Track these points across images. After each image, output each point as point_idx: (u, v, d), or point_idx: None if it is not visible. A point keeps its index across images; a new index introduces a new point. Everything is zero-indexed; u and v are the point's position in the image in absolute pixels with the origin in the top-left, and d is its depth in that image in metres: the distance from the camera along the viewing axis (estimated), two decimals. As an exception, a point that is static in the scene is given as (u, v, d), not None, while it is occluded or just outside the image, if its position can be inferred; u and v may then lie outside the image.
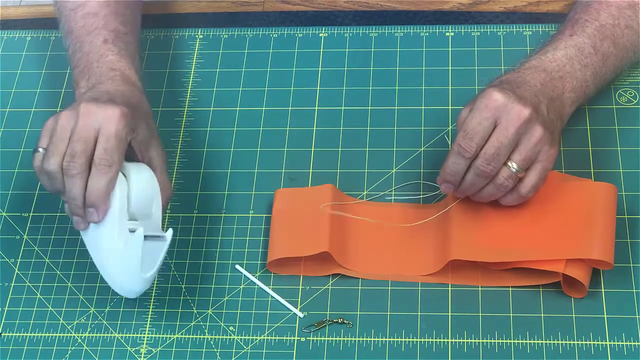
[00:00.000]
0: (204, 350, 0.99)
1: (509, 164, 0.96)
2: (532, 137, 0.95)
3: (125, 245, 0.94)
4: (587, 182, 1.03)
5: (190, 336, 1.01)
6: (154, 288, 1.03)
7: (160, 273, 1.04)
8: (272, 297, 1.02)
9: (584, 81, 1.02)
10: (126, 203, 0.95)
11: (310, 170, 1.10)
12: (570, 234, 0.98)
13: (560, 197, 1.01)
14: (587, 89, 1.03)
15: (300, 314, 1.00)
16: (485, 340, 0.97)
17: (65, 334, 1.02)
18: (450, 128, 1.10)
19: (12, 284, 1.05)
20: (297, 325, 1.00)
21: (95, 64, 1.04)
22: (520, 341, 0.97)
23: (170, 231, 0.97)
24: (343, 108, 1.14)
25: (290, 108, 1.15)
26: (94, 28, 1.06)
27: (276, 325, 1.00)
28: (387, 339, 0.98)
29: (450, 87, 1.14)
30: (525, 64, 1.02)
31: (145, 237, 0.94)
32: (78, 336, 1.01)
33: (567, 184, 1.02)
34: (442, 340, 0.98)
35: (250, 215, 1.07)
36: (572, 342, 0.96)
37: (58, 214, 1.09)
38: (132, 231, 0.94)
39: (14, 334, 1.02)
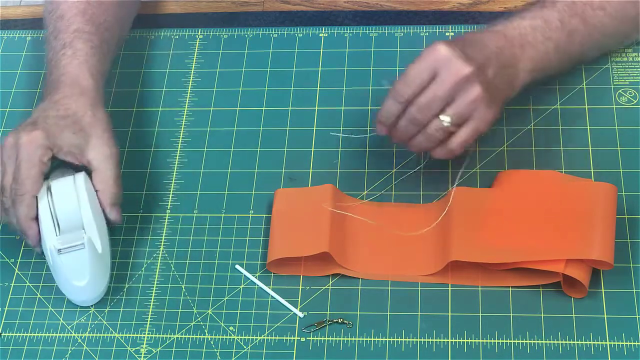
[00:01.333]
0: (204, 350, 0.99)
1: (441, 116, 0.97)
2: (468, 95, 0.97)
3: (52, 261, 1.00)
4: (587, 182, 1.03)
5: (190, 336, 1.01)
6: (154, 288, 1.04)
7: (160, 273, 1.04)
8: (272, 297, 1.02)
9: (545, 53, 1.03)
10: (51, 222, 1.01)
11: (310, 170, 1.10)
12: (571, 234, 0.98)
13: (561, 198, 1.01)
14: (549, 62, 1.04)
15: (300, 314, 1.00)
16: (485, 340, 0.97)
17: (65, 334, 1.02)
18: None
19: (12, 284, 1.05)
20: (297, 325, 1.00)
21: (53, 71, 1.06)
22: (520, 341, 0.97)
23: (86, 237, 1.00)
24: (343, 108, 1.14)
25: (290, 108, 1.15)
26: (58, 32, 1.08)
27: (276, 325, 1.00)
28: (387, 339, 0.98)
29: (450, 87, 1.13)
30: (489, 27, 1.03)
31: (71, 247, 1.00)
32: (78, 336, 1.01)
33: (567, 184, 1.02)
34: (442, 340, 0.98)
35: (250, 215, 1.07)
36: (572, 342, 0.96)
37: (58, 214, 1.09)
38: (58, 249, 1.00)
39: (14, 334, 1.02)
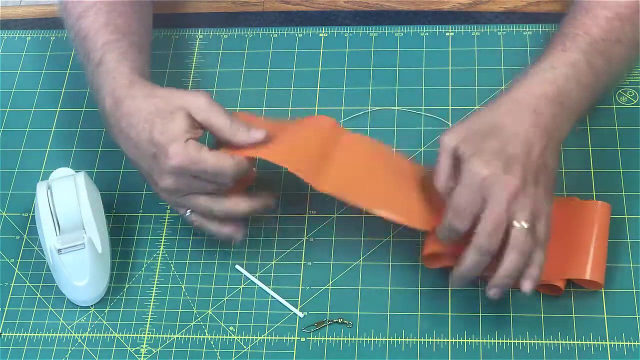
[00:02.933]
0: (204, 350, 0.99)
1: (515, 223, 0.89)
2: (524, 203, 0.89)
3: (52, 261, 1.00)
4: (582, 203, 1.02)
5: (190, 336, 1.01)
6: (154, 288, 1.04)
7: (160, 273, 1.04)
8: (272, 297, 1.02)
9: (578, 102, 0.96)
10: (51, 221, 1.01)
11: (310, 170, 1.09)
12: (566, 254, 0.98)
13: (557, 218, 0.99)
14: (581, 109, 0.97)
15: (300, 314, 1.00)
16: (485, 340, 0.97)
17: (65, 334, 1.02)
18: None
19: (12, 284, 1.05)
20: (297, 325, 1.00)
21: (98, 98, 1.01)
22: (520, 341, 0.97)
23: (86, 237, 1.00)
24: (343, 108, 1.14)
25: (290, 108, 1.15)
26: (88, 52, 1.03)
27: (276, 325, 1.00)
28: (387, 339, 0.98)
29: (450, 87, 1.14)
30: (513, 90, 0.95)
31: (71, 247, 1.00)
32: (78, 336, 1.01)
33: (563, 204, 1.00)
34: (442, 340, 0.98)
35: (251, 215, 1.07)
36: (572, 342, 0.96)
37: (58, 214, 1.09)
38: (58, 249, 1.00)
39: (14, 334, 1.02)
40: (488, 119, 0.94)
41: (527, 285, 0.91)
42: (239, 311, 1.01)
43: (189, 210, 1.00)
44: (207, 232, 1.01)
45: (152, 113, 0.96)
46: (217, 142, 0.99)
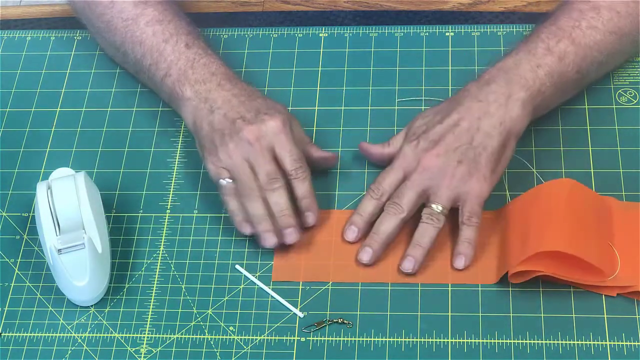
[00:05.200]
0: (204, 350, 0.99)
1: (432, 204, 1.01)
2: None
3: (52, 261, 1.00)
4: (544, 184, 1.03)
5: (190, 336, 1.01)
6: (154, 288, 1.04)
7: (160, 273, 1.04)
8: (272, 297, 1.02)
9: (535, 80, 1.02)
10: (51, 221, 1.01)
11: (311, 170, 1.09)
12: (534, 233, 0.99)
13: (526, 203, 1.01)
14: (543, 87, 1.03)
15: (300, 314, 1.00)
16: (485, 340, 0.97)
17: (65, 334, 1.02)
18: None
19: (12, 284, 1.05)
20: (297, 325, 1.00)
21: (190, 71, 1.07)
22: (520, 341, 0.97)
23: (86, 237, 1.00)
24: (343, 108, 1.14)
25: (290, 108, 1.14)
26: (169, 35, 1.09)
27: (276, 325, 1.00)
28: (387, 339, 0.98)
29: (450, 87, 1.14)
30: (464, 90, 1.05)
31: (71, 247, 1.00)
32: (78, 336, 1.01)
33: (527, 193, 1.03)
34: (442, 340, 0.98)
35: (250, 215, 1.07)
36: (572, 342, 0.96)
37: (58, 214, 1.09)
38: (58, 249, 1.00)
39: (14, 334, 1.02)
40: (446, 105, 1.05)
41: (457, 262, 1.01)
42: (239, 311, 1.01)
43: (228, 179, 1.03)
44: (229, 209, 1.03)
45: (267, 97, 1.06)
46: None
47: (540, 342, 0.97)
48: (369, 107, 1.14)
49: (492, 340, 0.97)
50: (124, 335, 1.01)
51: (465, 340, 0.97)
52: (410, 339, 0.98)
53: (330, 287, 1.02)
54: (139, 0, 1.10)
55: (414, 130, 1.04)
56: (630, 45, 1.08)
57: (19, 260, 1.07)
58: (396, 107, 1.13)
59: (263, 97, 1.06)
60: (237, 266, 1.04)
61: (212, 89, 1.05)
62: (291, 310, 1.01)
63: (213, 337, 1.00)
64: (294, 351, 0.98)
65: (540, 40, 1.04)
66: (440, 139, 1.01)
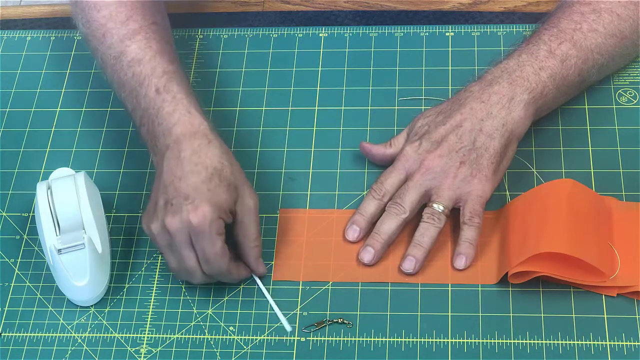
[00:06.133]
0: (204, 350, 0.99)
1: (433, 204, 1.01)
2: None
3: (52, 261, 1.00)
4: (543, 185, 1.04)
5: (190, 336, 1.01)
6: (154, 288, 1.04)
7: (160, 273, 1.04)
8: (267, 297, 1.02)
9: (538, 83, 1.03)
10: (51, 222, 1.01)
11: (311, 170, 1.10)
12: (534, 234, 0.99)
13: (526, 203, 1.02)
14: (547, 91, 1.03)
15: (289, 327, 1.00)
16: (485, 340, 0.97)
17: (65, 334, 1.02)
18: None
19: (12, 284, 1.05)
20: (297, 325, 1.00)
21: (156, 122, 1.00)
22: (520, 341, 0.97)
23: (86, 237, 1.00)
24: (343, 108, 1.14)
25: (290, 108, 1.15)
26: (143, 78, 1.02)
27: (276, 325, 1.00)
28: (387, 339, 0.98)
29: (450, 87, 1.14)
30: (466, 90, 1.05)
31: (71, 247, 1.00)
32: (78, 336, 1.01)
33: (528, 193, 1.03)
34: (442, 340, 0.98)
35: (250, 215, 1.07)
36: (572, 342, 0.96)
37: (58, 214, 1.09)
38: (58, 249, 1.00)
39: (14, 334, 1.02)
40: (448, 106, 1.05)
41: (457, 262, 1.01)
42: (239, 311, 1.01)
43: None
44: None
45: (216, 170, 0.97)
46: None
47: (540, 342, 0.97)
48: (369, 107, 1.14)
49: (492, 340, 0.97)
50: (124, 335, 1.01)
51: (465, 340, 0.97)
52: (410, 339, 0.98)
53: (330, 287, 1.02)
54: (126, 33, 1.05)
55: (415, 130, 1.04)
56: (630, 47, 1.09)
57: (19, 260, 1.07)
58: (396, 107, 1.13)
59: (213, 168, 0.97)
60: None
61: (169, 145, 0.99)
62: (288, 311, 1.01)
63: (213, 337, 1.00)
64: (294, 351, 0.98)
65: (543, 43, 1.05)
66: (443, 140, 1.01)
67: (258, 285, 1.02)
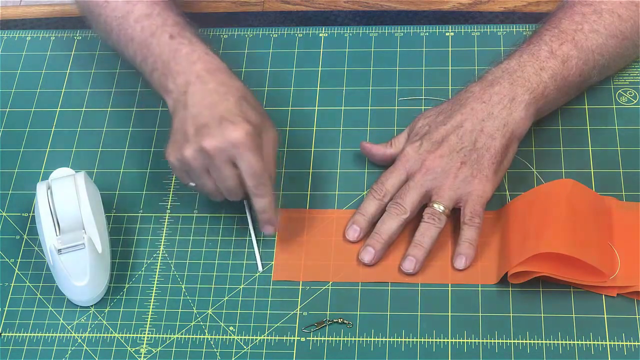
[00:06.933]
0: (204, 350, 0.99)
1: (434, 204, 1.01)
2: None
3: (52, 261, 1.00)
4: (544, 185, 1.04)
5: (190, 336, 1.01)
6: (154, 288, 1.04)
7: (160, 273, 1.04)
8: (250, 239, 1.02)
9: (539, 83, 1.03)
10: (51, 221, 1.01)
11: (311, 170, 1.10)
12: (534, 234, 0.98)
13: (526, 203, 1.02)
14: (547, 92, 1.03)
15: (261, 268, 1.02)
16: (485, 340, 0.97)
17: (65, 334, 1.02)
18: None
19: (12, 284, 1.05)
20: (297, 325, 1.00)
21: (172, 63, 1.03)
22: (520, 341, 0.97)
23: (86, 237, 1.00)
24: (343, 108, 1.14)
25: (290, 108, 1.15)
26: (155, 28, 1.05)
27: (276, 325, 1.00)
28: (387, 339, 0.98)
29: (450, 87, 1.14)
30: (467, 91, 1.05)
31: (71, 247, 1.00)
32: (78, 336, 1.01)
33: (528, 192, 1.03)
34: (442, 340, 0.98)
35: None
36: (572, 342, 0.96)
37: (58, 214, 1.09)
38: (58, 249, 1.01)
39: (14, 334, 1.02)
40: (449, 106, 1.05)
41: (457, 262, 1.01)
42: (239, 311, 1.01)
43: (192, 184, 1.02)
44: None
45: (244, 96, 1.00)
46: None
47: (540, 342, 0.97)
48: (369, 107, 1.14)
49: (492, 340, 0.97)
50: (124, 335, 1.01)
51: (465, 340, 0.97)
52: (410, 339, 0.98)
53: (330, 287, 1.02)
54: None
55: (416, 131, 1.04)
56: (631, 48, 1.09)
57: (19, 260, 1.07)
58: (396, 107, 1.13)
59: (239, 96, 1.00)
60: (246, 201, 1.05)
61: (190, 81, 1.01)
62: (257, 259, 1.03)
63: (213, 337, 1.00)
64: (294, 351, 0.98)
65: (544, 43, 1.05)
66: (444, 140, 1.01)
67: (250, 232, 1.04)
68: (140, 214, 1.09)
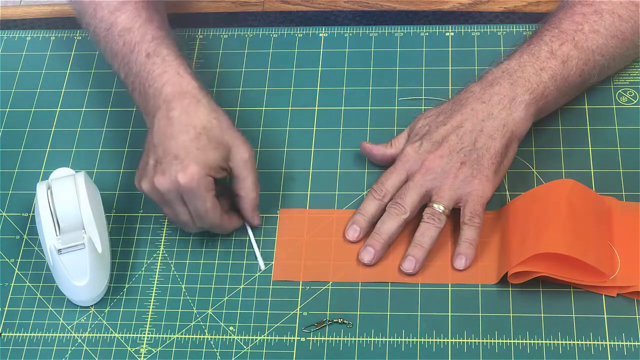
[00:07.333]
0: (204, 350, 0.99)
1: (433, 204, 1.01)
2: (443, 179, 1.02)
3: (52, 261, 1.00)
4: (545, 185, 1.03)
5: (190, 336, 1.01)
6: (154, 288, 1.04)
7: (160, 273, 1.04)
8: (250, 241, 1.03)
9: (539, 84, 1.03)
10: (51, 221, 1.01)
11: (311, 170, 1.10)
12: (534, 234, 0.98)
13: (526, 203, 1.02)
14: (547, 92, 1.03)
15: (263, 266, 1.03)
16: (485, 340, 0.97)
17: (65, 334, 1.02)
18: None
19: (12, 284, 1.05)
20: (297, 325, 1.00)
21: (146, 85, 1.03)
22: (520, 341, 0.97)
23: (86, 237, 1.00)
24: (343, 108, 1.14)
25: (290, 108, 1.15)
26: (134, 45, 1.05)
27: (276, 325, 1.00)
28: (387, 339, 0.98)
29: (450, 87, 1.14)
30: (467, 91, 1.05)
31: (71, 247, 1.00)
32: (78, 336, 1.01)
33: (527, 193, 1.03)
34: (442, 340, 0.98)
35: (250, 215, 1.07)
36: (572, 342, 0.96)
37: (58, 214, 1.09)
38: (58, 249, 1.01)
39: (14, 334, 1.02)
40: (449, 106, 1.05)
41: (457, 262, 1.01)
42: (239, 311, 1.01)
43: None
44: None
45: (205, 128, 0.99)
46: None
47: (540, 342, 0.97)
48: (369, 107, 1.14)
49: (492, 340, 0.97)
50: (124, 335, 1.01)
51: (465, 340, 0.97)
52: (410, 339, 0.98)
53: (330, 287, 1.02)
54: (116, 5, 1.07)
55: (416, 131, 1.04)
56: (631, 49, 1.08)
57: (19, 260, 1.07)
58: (396, 107, 1.13)
59: (201, 127, 0.99)
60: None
61: (158, 106, 1.01)
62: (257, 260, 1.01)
63: (213, 337, 1.00)
64: (294, 351, 0.98)
65: (544, 43, 1.05)
66: (444, 141, 1.01)
67: (248, 232, 1.04)
68: (140, 214, 1.09)
